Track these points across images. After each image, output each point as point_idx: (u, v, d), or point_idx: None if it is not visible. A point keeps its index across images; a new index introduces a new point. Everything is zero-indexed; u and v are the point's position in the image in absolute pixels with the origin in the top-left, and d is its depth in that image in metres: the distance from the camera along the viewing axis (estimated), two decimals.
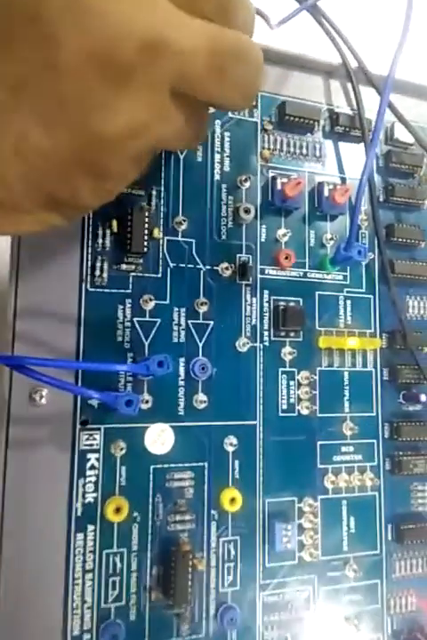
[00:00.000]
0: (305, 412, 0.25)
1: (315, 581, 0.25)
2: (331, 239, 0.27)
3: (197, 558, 0.23)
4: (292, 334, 0.25)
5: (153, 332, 0.23)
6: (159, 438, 0.22)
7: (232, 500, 0.23)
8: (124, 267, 0.23)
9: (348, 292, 0.27)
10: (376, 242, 0.27)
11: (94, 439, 0.22)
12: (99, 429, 0.22)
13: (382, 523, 0.26)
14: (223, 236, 0.25)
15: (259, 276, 0.25)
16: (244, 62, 0.17)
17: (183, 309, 0.24)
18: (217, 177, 0.25)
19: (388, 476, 0.26)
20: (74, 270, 0.22)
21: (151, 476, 0.22)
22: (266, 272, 0.25)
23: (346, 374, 0.26)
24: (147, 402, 0.23)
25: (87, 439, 0.22)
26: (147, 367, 0.20)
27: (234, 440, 0.24)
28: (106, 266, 0.22)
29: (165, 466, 0.23)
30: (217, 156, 0.25)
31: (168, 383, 0.23)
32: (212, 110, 0.24)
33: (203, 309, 0.24)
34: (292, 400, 0.25)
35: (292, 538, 0.24)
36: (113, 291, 0.23)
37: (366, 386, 0.26)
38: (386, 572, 0.26)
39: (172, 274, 0.24)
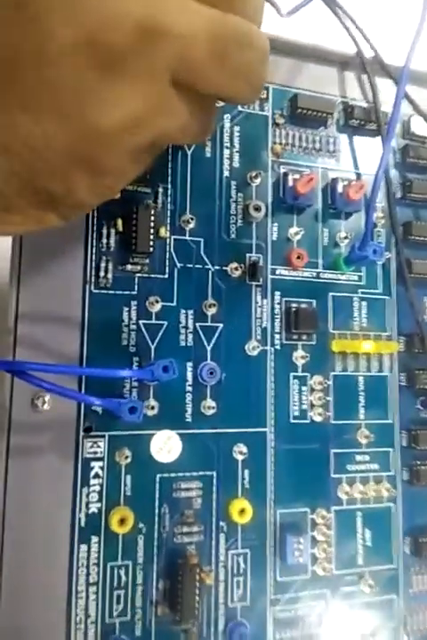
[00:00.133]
0: (318, 418, 0.24)
1: (328, 597, 0.24)
2: (345, 238, 0.26)
3: (205, 572, 0.22)
4: (304, 337, 0.24)
5: (159, 335, 0.22)
6: (166, 446, 0.22)
7: (242, 511, 0.22)
8: (129, 267, 0.22)
9: (363, 293, 0.26)
10: (393, 240, 0.26)
11: (98, 447, 0.21)
12: (103, 437, 0.21)
13: (399, 535, 0.25)
14: (233, 235, 0.24)
15: (270, 276, 0.24)
16: (247, 48, 0.16)
17: (191, 311, 0.23)
18: (226, 173, 0.24)
19: (405, 486, 0.25)
20: (77, 271, 0.21)
21: (157, 485, 0.22)
22: (277, 272, 0.24)
23: (361, 379, 0.25)
24: (153, 408, 0.22)
25: (91, 447, 0.21)
26: (151, 372, 0.19)
27: (244, 448, 0.23)
28: (110, 266, 0.22)
29: (172, 475, 0.22)
30: (226, 152, 0.24)
31: (175, 388, 0.22)
32: (221, 104, 0.23)
33: (211, 311, 0.23)
34: (304, 406, 0.24)
35: (304, 551, 0.23)
36: (118, 292, 0.22)
37: (382, 391, 0.25)
38: (403, 587, 0.25)
39: (179, 274, 0.23)
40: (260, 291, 0.24)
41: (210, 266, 0.23)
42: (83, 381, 0.21)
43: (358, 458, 0.25)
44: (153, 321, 0.22)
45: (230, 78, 0.16)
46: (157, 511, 0.22)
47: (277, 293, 0.24)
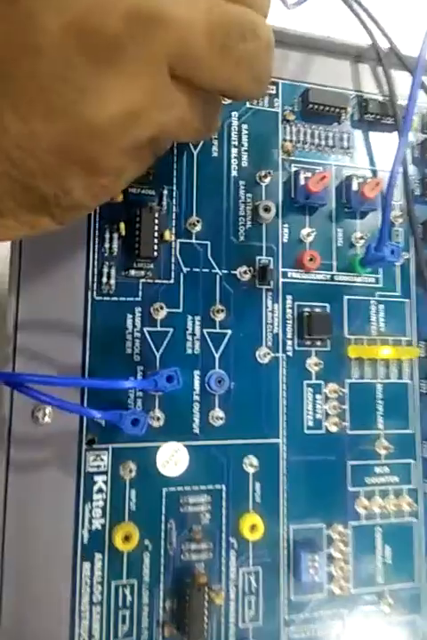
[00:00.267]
0: (334, 429, 0.23)
1: (345, 617, 0.22)
2: (361, 238, 0.24)
3: (214, 591, 0.21)
4: (318, 343, 0.23)
5: (165, 343, 0.21)
6: (172, 459, 0.21)
7: (253, 527, 0.21)
8: (133, 273, 0.21)
9: (380, 295, 0.25)
10: (412, 240, 0.25)
11: (102, 460, 0.20)
12: (106, 449, 0.20)
13: (422, 552, 0.24)
14: (241, 238, 0.23)
15: (281, 279, 0.23)
16: (250, 39, 0.15)
17: (198, 318, 0.22)
18: (234, 173, 0.23)
19: None
20: (79, 278, 0.21)
21: (164, 500, 0.21)
22: (289, 275, 0.23)
23: (379, 387, 0.24)
24: (158, 419, 0.21)
25: (94, 460, 0.20)
26: (155, 382, 0.18)
27: (255, 460, 0.22)
28: (113, 272, 0.21)
29: (179, 489, 0.21)
30: (234, 151, 0.23)
31: (182, 398, 0.21)
32: (228, 101, 0.22)
33: (219, 317, 0.22)
34: (318, 416, 0.23)
35: (319, 569, 0.22)
36: (121, 299, 0.21)
37: (401, 400, 0.24)
38: (426, 607, 0.23)
39: (185, 279, 0.22)
40: (270, 295, 0.23)
41: (217, 270, 0.22)
42: (85, 392, 0.20)
43: (377, 470, 0.24)
44: (158, 328, 0.21)
45: (232, 70, 0.15)
46: (163, 527, 0.21)
47: (289, 297, 0.23)
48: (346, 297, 0.24)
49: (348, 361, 0.24)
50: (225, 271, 0.22)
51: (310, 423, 0.23)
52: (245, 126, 0.23)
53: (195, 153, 0.23)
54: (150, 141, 0.15)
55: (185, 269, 0.22)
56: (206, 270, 0.22)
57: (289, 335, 0.23)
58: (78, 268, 0.21)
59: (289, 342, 0.23)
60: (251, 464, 0.22)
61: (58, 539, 0.20)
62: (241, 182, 0.23)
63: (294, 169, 0.24)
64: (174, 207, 0.22)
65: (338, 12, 0.25)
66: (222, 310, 0.22)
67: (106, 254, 0.21)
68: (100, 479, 0.20)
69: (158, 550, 0.21)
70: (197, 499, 0.21)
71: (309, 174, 0.23)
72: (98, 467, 0.20)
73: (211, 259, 0.22)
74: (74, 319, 0.20)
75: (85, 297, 0.21)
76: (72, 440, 0.20)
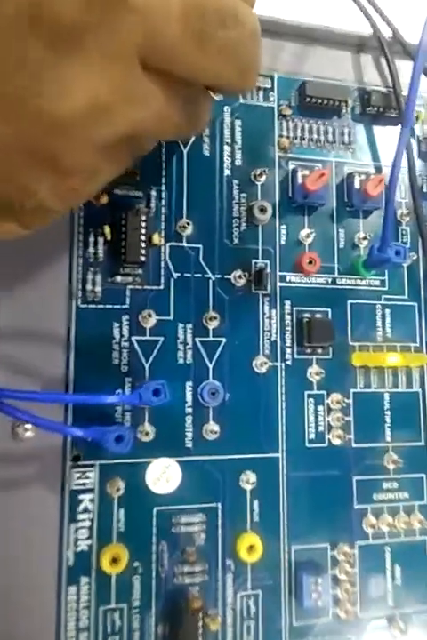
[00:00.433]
0: (337, 442, 0.22)
1: None
2: (364, 239, 0.23)
3: (209, 616, 0.20)
4: (319, 351, 0.22)
5: (155, 352, 0.20)
6: (164, 475, 0.20)
7: (251, 548, 0.20)
8: (119, 279, 0.20)
9: (386, 299, 0.23)
10: (420, 240, 0.24)
11: (88, 477, 0.19)
12: (93, 466, 0.19)
13: None
14: (236, 240, 0.22)
15: (279, 283, 0.22)
16: (231, 26, 0.14)
17: (190, 325, 0.21)
18: (227, 172, 0.22)
19: None
20: (62, 285, 0.20)
21: (154, 519, 0.20)
22: (287, 279, 0.22)
23: (387, 396, 0.23)
24: (147, 434, 0.20)
25: (79, 477, 0.19)
26: (139, 396, 0.17)
27: (252, 476, 0.21)
28: (99, 279, 0.20)
29: (171, 508, 0.20)
30: (227, 148, 0.22)
31: (173, 412, 0.20)
32: (220, 96, 0.21)
33: (213, 325, 0.21)
34: (321, 428, 0.22)
35: (323, 592, 0.20)
36: (107, 306, 0.20)
37: (411, 410, 0.23)
38: None
39: (176, 285, 0.21)
40: (267, 300, 0.22)
41: (210, 275, 0.21)
42: (69, 407, 0.19)
43: (386, 486, 0.22)
44: (147, 337, 0.20)
45: (213, 60, 0.14)
46: (154, 548, 0.20)
47: (287, 303, 0.22)
48: (349, 301, 0.23)
49: (352, 369, 0.22)
50: (218, 276, 0.21)
51: (312, 436, 0.22)
52: (238, 122, 0.22)
53: (185, 151, 0.21)
54: (126, 140, 0.14)
55: (175, 275, 0.21)
56: (198, 275, 0.21)
57: (288, 343, 0.22)
58: (61, 274, 0.20)
59: (288, 350, 0.22)
60: (248, 480, 0.21)
61: (41, 561, 0.19)
62: (235, 182, 0.22)
63: (291, 167, 0.23)
64: (163, 209, 0.21)
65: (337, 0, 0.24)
66: (216, 317, 0.21)
67: (90, 260, 0.20)
68: (86, 498, 0.19)
69: (149, 573, 0.19)
70: (191, 518, 0.20)
71: (307, 172, 0.22)
72: (83, 484, 0.19)
73: (203, 263, 0.21)
74: (57, 328, 0.19)
75: (69, 305, 0.20)
76: (56, 457, 0.19)
